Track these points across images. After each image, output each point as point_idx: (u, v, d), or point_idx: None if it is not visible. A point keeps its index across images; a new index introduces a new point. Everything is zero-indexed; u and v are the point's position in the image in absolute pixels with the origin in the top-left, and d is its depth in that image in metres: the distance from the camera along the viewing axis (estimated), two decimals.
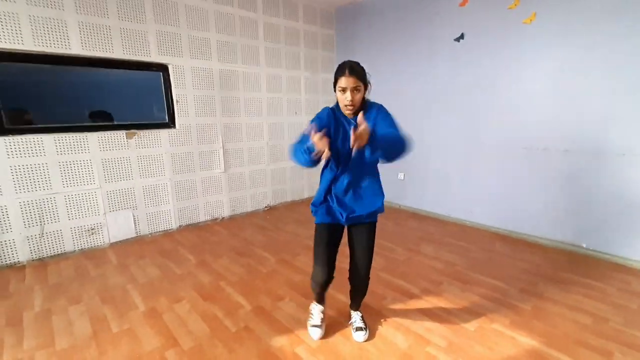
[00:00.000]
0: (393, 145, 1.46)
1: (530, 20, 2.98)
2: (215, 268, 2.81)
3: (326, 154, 1.37)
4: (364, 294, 1.90)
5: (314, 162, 1.50)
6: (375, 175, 1.73)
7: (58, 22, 2.87)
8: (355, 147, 1.31)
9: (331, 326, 2.01)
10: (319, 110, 1.70)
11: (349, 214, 1.67)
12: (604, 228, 2.83)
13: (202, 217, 3.99)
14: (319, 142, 1.34)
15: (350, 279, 1.86)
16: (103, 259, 3.06)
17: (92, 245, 3.27)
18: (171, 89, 3.59)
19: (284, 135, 4.60)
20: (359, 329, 1.91)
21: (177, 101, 3.62)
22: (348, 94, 1.54)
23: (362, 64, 1.62)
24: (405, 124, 4.30)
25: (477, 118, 3.52)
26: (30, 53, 2.81)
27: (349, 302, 2.03)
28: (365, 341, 1.88)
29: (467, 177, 3.70)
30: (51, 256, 3.06)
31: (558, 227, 3.08)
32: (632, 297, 2.29)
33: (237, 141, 4.15)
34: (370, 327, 1.99)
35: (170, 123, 3.66)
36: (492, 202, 3.52)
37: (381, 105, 1.69)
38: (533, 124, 3.12)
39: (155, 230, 3.65)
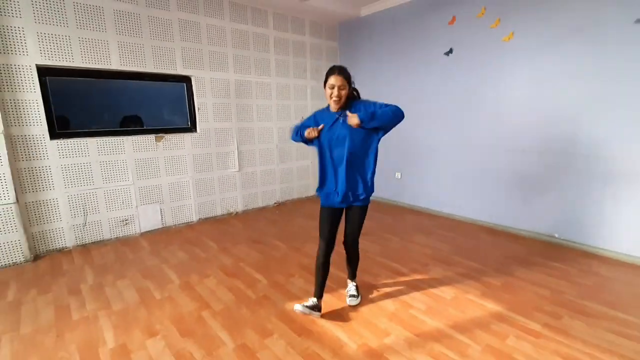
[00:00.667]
0: (378, 114, 1.94)
1: (509, 38, 3.41)
2: (235, 253, 3.27)
3: (313, 134, 2.01)
4: (356, 262, 2.37)
5: (305, 142, 2.12)
6: (366, 168, 2.09)
7: (101, 42, 3.36)
8: (354, 125, 1.90)
9: (333, 294, 2.45)
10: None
11: (341, 199, 2.07)
12: (574, 220, 3.24)
13: (219, 212, 4.46)
14: (311, 132, 2.01)
15: (344, 246, 2.31)
16: (137, 245, 3.53)
17: (126, 234, 3.75)
18: (193, 98, 4.08)
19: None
20: (352, 295, 2.35)
21: (198, 108, 4.11)
22: (335, 90, 1.95)
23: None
24: (401, 128, 4.74)
25: (466, 123, 3.95)
26: (78, 68, 3.30)
27: (347, 278, 2.48)
28: (356, 305, 2.32)
29: (457, 175, 4.13)
30: (92, 242, 3.54)
31: (535, 220, 3.50)
32: (590, 276, 2.71)
33: (250, 143, 4.62)
34: (364, 296, 2.43)
35: (193, 128, 4.14)
36: (479, 198, 3.95)
37: (365, 100, 2.09)
38: (513, 128, 3.55)
39: (179, 222, 4.12)
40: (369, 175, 2.11)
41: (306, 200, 5.30)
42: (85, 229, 3.50)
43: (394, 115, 1.96)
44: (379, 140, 2.08)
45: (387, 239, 3.57)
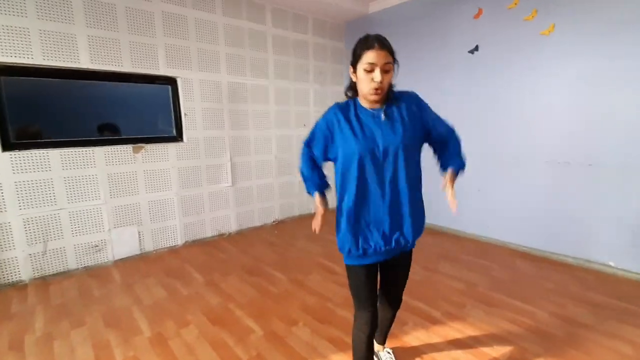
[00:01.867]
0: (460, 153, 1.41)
1: (549, 32, 2.90)
2: (224, 288, 2.68)
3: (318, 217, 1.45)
4: (389, 322, 1.71)
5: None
6: (420, 193, 1.44)
7: (67, 36, 2.83)
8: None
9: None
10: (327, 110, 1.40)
11: (390, 247, 1.34)
12: (635, 245, 2.68)
13: (209, 233, 3.88)
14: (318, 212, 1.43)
15: (387, 302, 1.61)
16: (107, 277, 2.94)
17: (96, 263, 3.16)
18: (179, 102, 3.54)
19: (292, 148, 4.52)
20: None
21: (185, 114, 3.56)
22: (377, 72, 1.20)
23: None
24: None
25: (493, 131, 3.41)
26: (40, 67, 2.76)
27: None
28: None
29: (483, 191, 3.57)
30: (54, 274, 2.95)
31: (583, 245, 2.93)
32: (509, 271, 2.15)
33: (245, 154, 4.07)
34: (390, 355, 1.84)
35: (178, 136, 3.59)
36: (509, 217, 3.38)
37: (412, 93, 1.41)
38: (553, 137, 3.01)
39: (160, 247, 3.54)
40: (417, 206, 1.42)
41: (308, 217, 4.72)
42: (45, 258, 2.91)
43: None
44: (420, 154, 1.45)
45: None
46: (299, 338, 2.03)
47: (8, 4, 2.58)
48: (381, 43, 1.23)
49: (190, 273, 2.98)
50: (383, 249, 1.34)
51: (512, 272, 2.85)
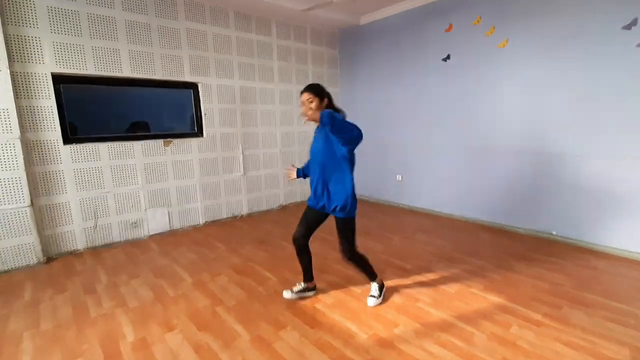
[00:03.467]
0: (340, 125, 1.93)
1: (504, 45, 3.57)
2: (243, 253, 3.36)
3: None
4: (359, 269, 2.37)
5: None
6: (342, 181, 2.16)
7: (113, 51, 3.49)
8: (307, 119, 1.98)
9: (342, 291, 2.55)
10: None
11: (315, 203, 2.28)
12: (570, 217, 3.36)
13: (225, 214, 4.55)
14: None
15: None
16: (146, 247, 3.61)
17: (135, 237, 3.83)
18: (200, 104, 4.20)
19: (294, 143, 5.19)
20: (371, 296, 2.38)
21: (205, 114, 4.23)
22: (304, 106, 2.11)
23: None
24: (401, 132, 4.86)
25: (464, 126, 4.09)
26: (91, 76, 3.42)
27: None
28: (377, 305, 2.34)
29: (456, 177, 4.25)
30: (102, 245, 3.62)
31: (532, 218, 3.62)
32: (587, 269, 2.82)
33: (254, 148, 4.73)
34: (369, 291, 2.53)
35: (199, 133, 4.25)
36: (477, 197, 4.07)
37: (328, 112, 2.05)
38: (509, 130, 3.69)
39: (186, 225, 4.21)
40: (338, 188, 2.17)
41: None
42: (95, 231, 3.58)
43: (347, 126, 1.96)
44: (345, 157, 2.12)
45: (389, 238, 3.67)
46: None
47: (67, 26, 3.22)
48: (306, 87, 2.14)
49: (214, 243, 3.66)
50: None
51: (475, 240, 3.55)
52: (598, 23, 2.99)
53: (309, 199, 2.36)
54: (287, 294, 2.44)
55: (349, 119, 2.20)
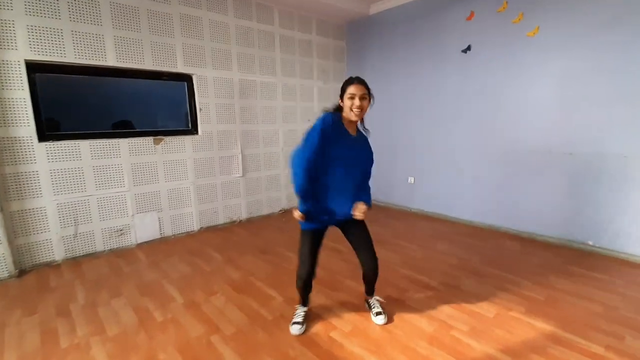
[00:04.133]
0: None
1: (534, 33, 3.21)
2: (242, 265, 2.97)
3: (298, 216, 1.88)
4: (376, 278, 2.07)
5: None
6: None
7: (96, 37, 3.09)
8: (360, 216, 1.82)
9: (358, 312, 2.17)
10: (320, 115, 1.82)
11: (342, 215, 1.90)
12: (609, 226, 3.00)
13: (222, 220, 4.16)
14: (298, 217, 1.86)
15: (365, 264, 2.03)
16: (133, 257, 3.21)
17: (121, 246, 3.43)
18: (195, 98, 3.80)
19: (297, 142, 4.79)
20: (378, 313, 2.08)
21: (200, 109, 3.83)
22: (357, 99, 1.75)
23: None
24: (414, 130, 4.50)
25: (485, 124, 3.72)
26: (71, 65, 3.02)
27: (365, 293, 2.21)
28: (385, 324, 2.04)
29: (476, 180, 3.89)
30: (83, 255, 3.22)
31: (565, 226, 3.26)
32: (639, 287, 2.46)
33: (254, 147, 4.34)
34: (394, 312, 2.15)
35: (194, 130, 3.86)
36: (500, 203, 3.70)
37: (367, 139, 1.98)
38: (538, 128, 3.32)
39: (178, 232, 3.81)
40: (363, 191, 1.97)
41: None
42: (76, 240, 3.17)
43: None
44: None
45: (406, 248, 3.30)
46: (314, 302, 2.32)
47: (44, 7, 2.82)
48: (359, 80, 1.79)
49: (210, 253, 3.26)
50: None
51: (502, 250, 3.18)
52: None
53: (316, 220, 1.92)
54: (296, 330, 1.99)
55: None
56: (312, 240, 1.95)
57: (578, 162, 3.12)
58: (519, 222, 3.58)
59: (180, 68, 3.63)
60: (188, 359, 1.78)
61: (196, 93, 3.79)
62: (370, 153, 1.95)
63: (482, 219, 3.88)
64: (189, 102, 3.80)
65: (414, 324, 2.05)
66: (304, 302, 2.10)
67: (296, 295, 2.40)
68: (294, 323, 2.02)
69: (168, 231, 3.73)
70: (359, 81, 1.78)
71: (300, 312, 2.08)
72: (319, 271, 2.78)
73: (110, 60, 3.19)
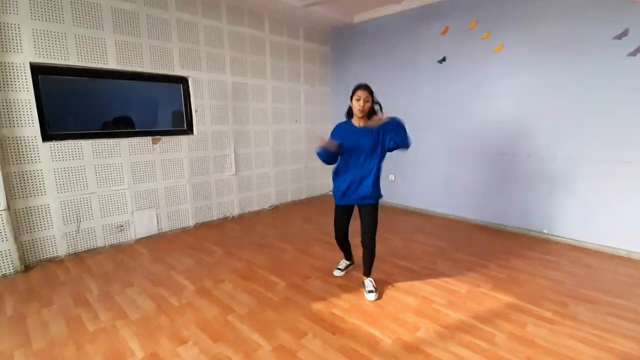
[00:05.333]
0: (401, 128, 2.31)
1: (499, 49, 3.68)
2: (242, 256, 3.22)
3: (333, 146, 2.30)
4: (368, 260, 2.51)
5: (330, 157, 2.39)
6: (376, 172, 2.42)
7: (98, 40, 3.21)
8: (376, 124, 2.26)
9: (355, 294, 2.50)
10: (332, 127, 2.51)
11: (359, 196, 2.41)
12: (561, 218, 3.52)
13: (216, 216, 4.37)
14: (329, 144, 2.30)
15: (362, 244, 2.50)
16: (134, 252, 3.38)
17: (120, 241, 3.57)
18: (190, 100, 3.98)
19: (285, 142, 5.07)
20: (370, 291, 2.46)
21: (195, 110, 4.02)
22: (362, 101, 2.29)
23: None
24: None
25: (456, 128, 4.18)
26: (74, 67, 3.13)
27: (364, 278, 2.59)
28: (376, 300, 2.42)
29: (449, 177, 4.34)
30: (85, 251, 3.34)
31: (525, 217, 3.76)
32: (582, 267, 2.96)
33: (246, 147, 4.57)
34: (384, 292, 2.51)
35: (189, 130, 4.04)
36: (470, 198, 4.18)
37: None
38: (502, 133, 3.81)
39: (175, 228, 3.99)
40: (374, 178, 2.42)
41: (299, 203, 5.32)
42: (78, 236, 3.29)
43: (407, 139, 2.33)
44: (385, 152, 2.43)
45: (389, 239, 3.68)
46: (314, 286, 2.63)
47: (49, 12, 2.93)
48: (365, 86, 2.35)
49: (209, 247, 3.48)
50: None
51: (472, 239, 3.64)
52: (591, 31, 3.13)
53: (340, 198, 2.48)
54: (336, 273, 2.81)
55: (340, 118, 2.54)
56: (342, 214, 2.56)
57: (535, 162, 3.62)
58: (486, 215, 4.07)
59: (177, 71, 3.80)
60: (210, 334, 2.04)
61: (192, 95, 3.97)
62: (378, 130, 2.34)
63: (454, 212, 4.35)
64: (184, 103, 3.98)
65: (401, 300, 2.42)
66: (346, 256, 2.85)
67: (298, 280, 2.72)
68: (336, 269, 2.84)
69: (165, 227, 3.90)
70: (365, 87, 2.34)
71: (342, 262, 2.88)
72: (313, 261, 3.11)
73: (112, 63, 3.32)
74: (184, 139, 3.96)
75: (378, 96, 2.44)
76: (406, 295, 2.50)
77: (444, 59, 4.16)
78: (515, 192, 3.80)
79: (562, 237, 3.54)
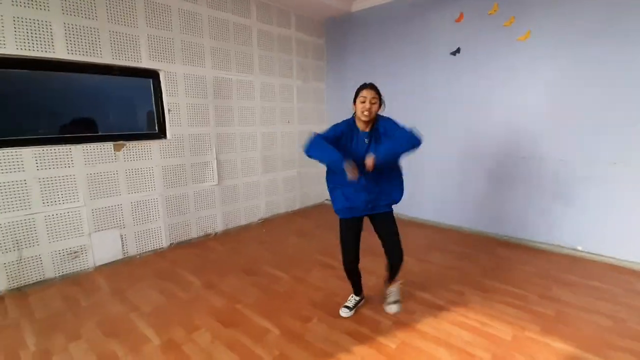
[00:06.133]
0: (396, 153, 1.89)
1: (525, 37, 3.16)
2: (225, 289, 2.62)
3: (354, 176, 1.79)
4: (400, 267, 2.21)
5: (331, 166, 1.96)
6: (392, 177, 2.07)
7: (42, 24, 2.57)
8: (369, 167, 1.82)
9: (373, 343, 1.93)
10: (334, 123, 2.05)
11: (369, 206, 2.03)
12: (601, 232, 3.01)
13: (195, 234, 3.74)
14: (351, 171, 1.77)
15: (391, 263, 2.20)
16: (92, 285, 2.74)
17: (76, 270, 2.92)
18: (162, 97, 3.36)
19: (276, 145, 4.48)
20: (395, 302, 2.25)
21: (169, 110, 3.39)
22: (367, 102, 1.89)
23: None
24: None
25: (473, 129, 3.64)
26: (11, 57, 2.48)
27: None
28: (398, 312, 2.20)
29: (463, 186, 3.81)
30: (31, 284, 2.69)
31: (554, 231, 3.25)
32: (637, 295, 2.45)
33: (230, 152, 3.96)
34: (409, 344, 1.94)
35: (161, 133, 3.41)
36: (489, 209, 3.65)
37: (389, 119, 2.03)
38: (529, 135, 3.29)
39: (145, 250, 3.35)
40: (390, 184, 2.09)
41: (293, 214, 4.72)
42: (20, 266, 2.64)
43: (409, 146, 1.88)
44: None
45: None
46: (317, 333, 2.05)
47: None
48: (371, 85, 1.94)
49: (185, 276, 2.86)
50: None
51: (497, 260, 3.10)
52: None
53: (346, 211, 2.05)
54: (345, 313, 2.22)
55: (338, 119, 2.12)
56: (351, 229, 2.09)
57: (569, 169, 3.11)
58: (507, 228, 3.54)
59: (145, 63, 3.17)
60: None
61: (164, 91, 3.34)
62: (381, 136, 1.99)
63: (470, 224, 3.82)
64: (155, 101, 3.35)
65: (432, 354, 1.85)
66: (355, 290, 2.29)
67: (295, 325, 2.13)
68: (344, 307, 2.25)
69: (132, 250, 3.26)
70: (371, 86, 1.94)
71: (351, 298, 2.30)
72: (313, 293, 2.51)
73: (59, 51, 2.67)
74: (154, 144, 3.33)
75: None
76: (437, 345, 1.93)
77: (458, 50, 3.62)
78: (542, 202, 3.29)
79: (600, 255, 3.04)
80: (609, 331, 2.05)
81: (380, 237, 2.15)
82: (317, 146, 1.90)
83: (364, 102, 1.90)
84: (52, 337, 2.05)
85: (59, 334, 2.08)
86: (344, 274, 2.22)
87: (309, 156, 1.93)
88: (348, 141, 1.98)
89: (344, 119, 2.07)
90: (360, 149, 1.97)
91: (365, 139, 1.98)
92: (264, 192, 4.40)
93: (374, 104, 1.91)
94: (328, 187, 2.10)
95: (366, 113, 1.90)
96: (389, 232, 2.12)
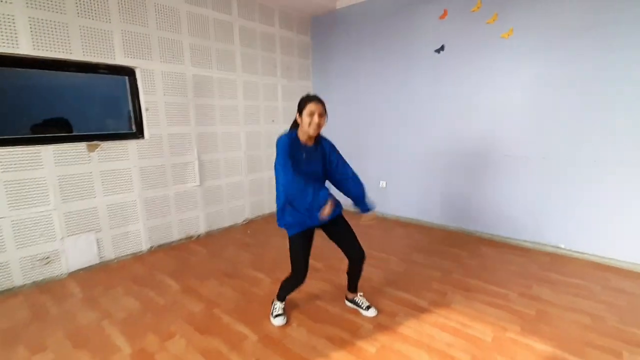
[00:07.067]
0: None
1: (508, 35, 3.14)
2: (204, 294, 2.53)
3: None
4: (357, 277, 2.21)
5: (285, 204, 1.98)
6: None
7: (5, 18, 2.43)
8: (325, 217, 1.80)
9: (354, 348, 1.88)
10: (279, 139, 1.89)
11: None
12: (582, 229, 3.03)
13: (176, 236, 3.63)
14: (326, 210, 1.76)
15: (356, 258, 2.12)
16: (63, 292, 2.62)
17: (48, 277, 2.80)
18: (139, 96, 3.24)
19: (260, 145, 4.39)
20: (368, 307, 2.21)
21: (146, 109, 3.27)
22: (316, 117, 1.83)
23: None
24: (384, 133, 4.31)
25: (457, 127, 3.62)
26: None
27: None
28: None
29: (449, 184, 3.79)
30: None
31: (540, 230, 3.25)
32: (618, 294, 2.46)
33: (212, 152, 3.86)
34: (389, 347, 1.90)
35: (138, 133, 3.29)
36: (473, 208, 3.64)
37: (330, 141, 2.05)
38: (512, 134, 3.28)
39: (123, 254, 3.24)
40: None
41: None
42: None
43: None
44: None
45: (385, 260, 3.09)
46: (296, 339, 1.99)
47: None
48: (318, 99, 1.88)
49: (163, 280, 2.77)
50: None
51: (481, 259, 3.09)
52: (621, 14, 2.64)
53: (301, 224, 1.95)
54: (280, 321, 2.14)
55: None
56: (305, 243, 2.00)
57: (551, 167, 3.11)
58: (491, 227, 3.54)
59: (120, 60, 3.05)
60: None
61: (140, 90, 3.23)
62: (327, 155, 2.01)
63: (456, 223, 3.80)
64: (132, 100, 3.23)
65: (412, 358, 1.81)
66: (283, 299, 2.21)
67: (273, 332, 2.06)
68: (277, 316, 2.14)
69: (110, 254, 3.15)
70: (318, 100, 1.88)
71: (279, 306, 2.19)
72: (294, 296, 2.45)
73: (24, 47, 2.54)
74: (131, 144, 3.21)
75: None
76: (418, 348, 1.89)
77: (442, 48, 3.59)
78: (526, 201, 3.29)
79: (582, 253, 3.06)
80: (589, 329, 2.05)
81: (336, 240, 2.08)
82: (301, 188, 1.80)
83: (312, 115, 1.83)
84: (14, 350, 1.94)
85: (22, 345, 1.98)
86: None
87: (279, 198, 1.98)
88: (298, 156, 1.88)
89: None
90: (315, 164, 1.94)
91: (312, 154, 1.94)
92: (249, 193, 4.31)
93: (322, 117, 1.86)
94: (277, 205, 2.04)
95: (316, 128, 1.85)
96: (345, 230, 2.07)
